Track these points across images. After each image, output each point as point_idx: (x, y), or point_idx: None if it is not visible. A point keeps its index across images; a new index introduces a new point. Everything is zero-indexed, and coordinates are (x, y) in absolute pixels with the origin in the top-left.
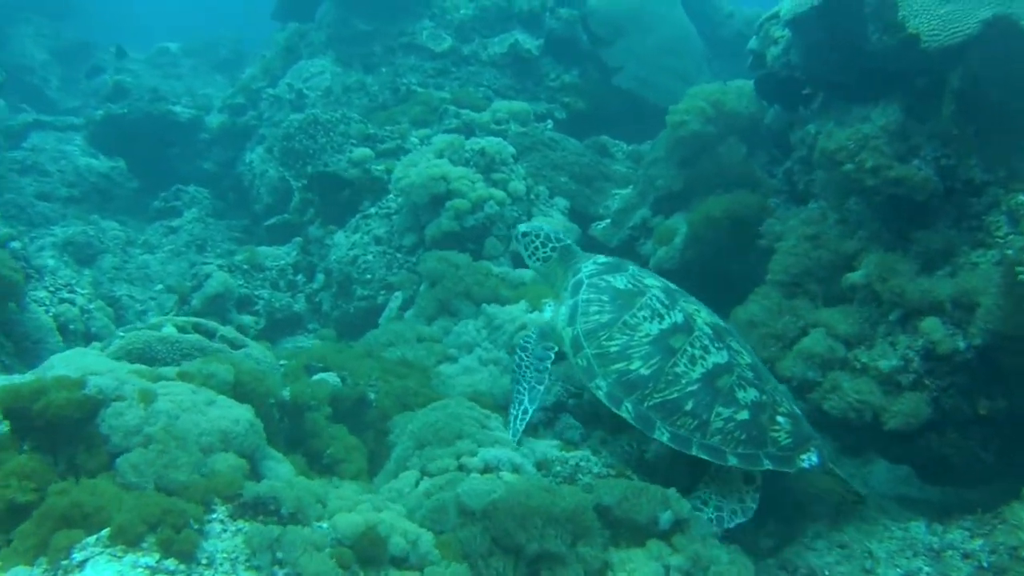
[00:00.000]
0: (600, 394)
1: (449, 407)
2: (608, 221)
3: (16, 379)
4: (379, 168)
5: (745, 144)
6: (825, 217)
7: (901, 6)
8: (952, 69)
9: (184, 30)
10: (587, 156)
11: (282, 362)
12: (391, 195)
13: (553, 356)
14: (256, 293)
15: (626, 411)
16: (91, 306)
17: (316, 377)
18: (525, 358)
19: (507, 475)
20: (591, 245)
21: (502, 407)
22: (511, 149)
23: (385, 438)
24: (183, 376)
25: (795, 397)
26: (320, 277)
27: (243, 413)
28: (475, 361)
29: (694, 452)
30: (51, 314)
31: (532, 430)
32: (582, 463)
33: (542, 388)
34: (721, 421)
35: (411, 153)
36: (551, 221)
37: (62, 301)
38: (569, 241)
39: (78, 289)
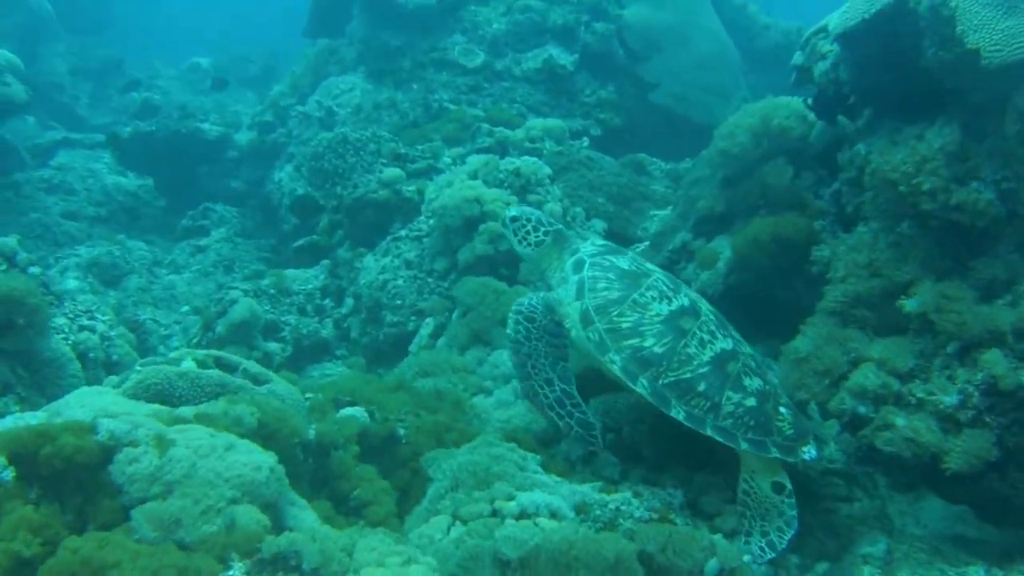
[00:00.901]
0: (615, 368)
1: (487, 447)
2: (647, 244)
3: (25, 421)
4: (410, 189)
5: (791, 164)
6: (876, 242)
7: (959, 20)
8: (1016, 87)
9: (215, 46)
10: (625, 176)
11: (308, 395)
12: (422, 217)
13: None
14: (283, 319)
15: (642, 387)
16: (112, 333)
17: (343, 412)
18: (532, 330)
19: (545, 521)
20: None
21: (541, 443)
22: (547, 169)
23: (416, 476)
24: (202, 418)
25: (847, 433)
26: (349, 302)
27: (265, 459)
28: (510, 394)
29: (708, 432)
30: (70, 342)
31: (569, 467)
32: (623, 507)
33: (567, 363)
34: (732, 405)
35: (443, 173)
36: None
37: (82, 328)
38: (560, 225)
39: (99, 315)
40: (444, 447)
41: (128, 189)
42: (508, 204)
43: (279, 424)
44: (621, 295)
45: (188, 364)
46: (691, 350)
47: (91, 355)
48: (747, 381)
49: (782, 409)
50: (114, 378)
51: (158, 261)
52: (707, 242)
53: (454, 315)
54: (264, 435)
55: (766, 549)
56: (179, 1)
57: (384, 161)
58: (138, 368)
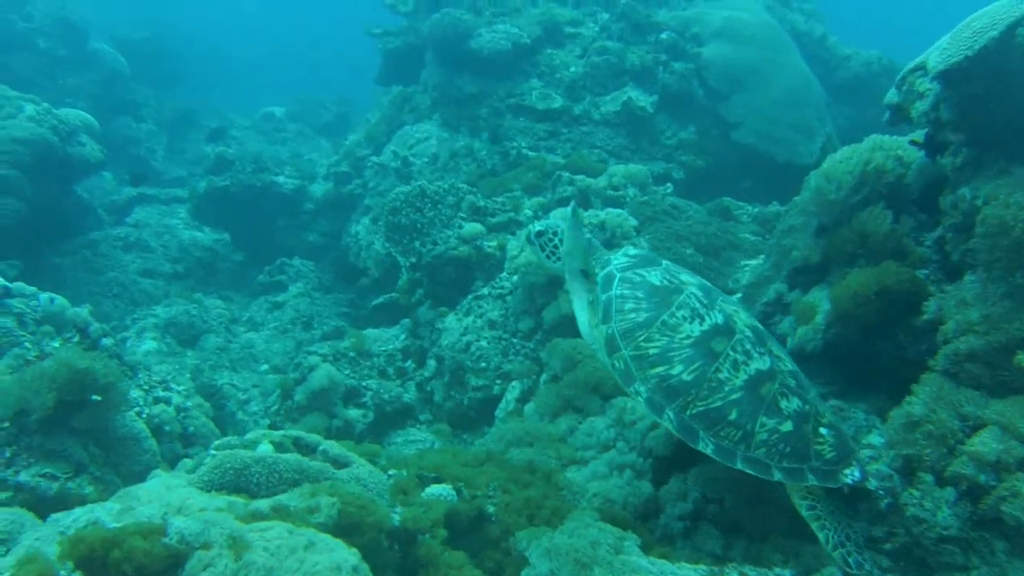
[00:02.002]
0: (640, 400)
1: (583, 527)
2: (739, 296)
3: (95, 514)
4: (491, 244)
5: (890, 209)
6: (988, 293)
7: None
8: None
9: (289, 94)
10: (713, 225)
11: (391, 472)
12: (505, 274)
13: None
14: (364, 383)
15: (668, 420)
16: (188, 404)
17: (429, 491)
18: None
19: None
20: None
21: (639, 516)
22: (632, 221)
23: (508, 557)
24: (280, 511)
25: (966, 503)
26: (431, 364)
27: (347, 557)
28: (605, 466)
29: (739, 466)
30: (145, 415)
31: (669, 541)
32: None
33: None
34: (765, 433)
35: (525, 227)
36: None
37: (157, 400)
38: (590, 235)
39: (174, 386)
40: (536, 525)
41: (204, 244)
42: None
43: (362, 514)
44: (649, 316)
45: (265, 447)
46: (723, 375)
47: (167, 428)
48: (784, 403)
49: (823, 430)
50: (188, 462)
51: (235, 319)
52: (803, 294)
53: (542, 378)
54: (346, 527)
55: (873, 562)
56: (250, 50)
57: (463, 215)
58: (213, 452)
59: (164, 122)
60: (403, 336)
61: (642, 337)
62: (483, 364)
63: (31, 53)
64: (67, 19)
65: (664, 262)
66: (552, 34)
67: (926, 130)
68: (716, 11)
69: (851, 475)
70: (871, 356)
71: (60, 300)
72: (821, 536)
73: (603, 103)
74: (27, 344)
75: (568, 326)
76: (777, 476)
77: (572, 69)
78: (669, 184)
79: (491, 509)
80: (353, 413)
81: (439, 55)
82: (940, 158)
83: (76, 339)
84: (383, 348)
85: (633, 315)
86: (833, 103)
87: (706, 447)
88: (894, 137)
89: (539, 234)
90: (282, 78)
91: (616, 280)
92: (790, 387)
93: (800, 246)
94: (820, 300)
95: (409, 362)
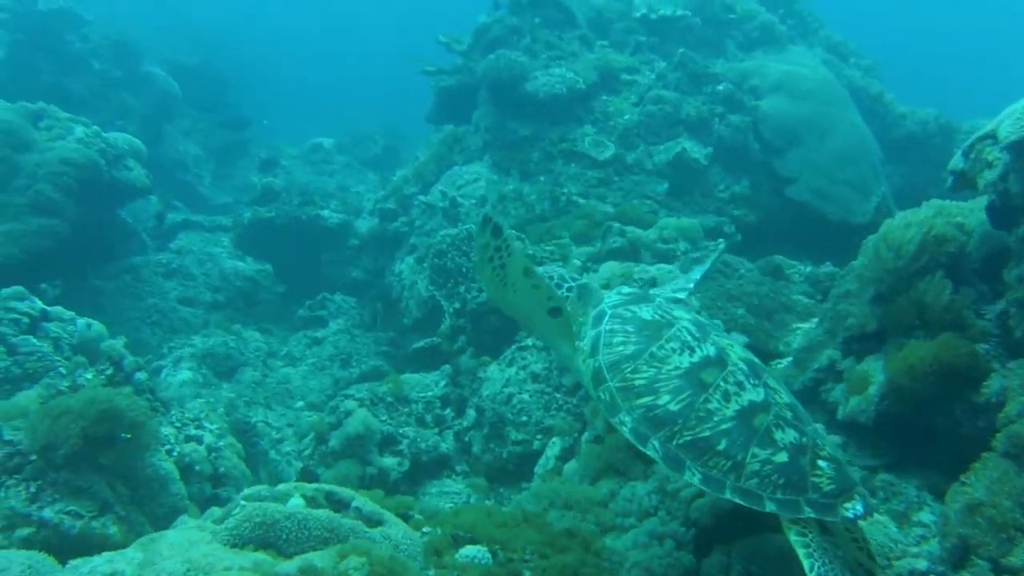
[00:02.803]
0: (625, 431)
1: None
2: (789, 360)
3: (114, 565)
4: None
5: (950, 278)
6: None
7: None
8: None
9: (338, 124)
10: (765, 285)
11: (426, 529)
12: None
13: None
14: (401, 430)
15: (652, 449)
16: (220, 443)
17: (463, 553)
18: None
19: None
20: None
21: None
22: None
23: None
24: (307, 573)
25: None
26: (471, 414)
27: None
28: (645, 535)
29: (727, 496)
30: (176, 454)
31: None
32: None
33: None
34: (758, 463)
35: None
36: None
37: (189, 439)
38: (585, 280)
39: (207, 424)
40: None
41: (246, 274)
42: None
43: None
44: (637, 349)
45: (296, 501)
46: (712, 405)
47: (197, 468)
48: (779, 435)
49: (821, 463)
50: (217, 510)
51: (273, 352)
52: (857, 362)
53: (584, 437)
54: None
55: None
56: (303, 80)
57: None
58: (242, 503)
59: (213, 148)
60: (443, 383)
61: (629, 369)
62: (524, 418)
63: (86, 74)
64: (122, 41)
65: (658, 299)
66: (608, 80)
67: (991, 198)
68: (775, 64)
69: (852, 509)
70: (926, 430)
71: (97, 326)
72: (806, 563)
73: (656, 153)
74: (61, 369)
75: None
76: (770, 507)
77: (626, 117)
78: (722, 240)
79: (527, 574)
80: (388, 461)
81: (492, 96)
82: (1005, 229)
83: (110, 372)
84: (422, 394)
85: (621, 348)
86: (886, 161)
87: (693, 476)
88: (956, 203)
89: None
90: (332, 109)
91: (607, 316)
92: (786, 419)
93: (856, 313)
94: (875, 370)
95: (448, 410)
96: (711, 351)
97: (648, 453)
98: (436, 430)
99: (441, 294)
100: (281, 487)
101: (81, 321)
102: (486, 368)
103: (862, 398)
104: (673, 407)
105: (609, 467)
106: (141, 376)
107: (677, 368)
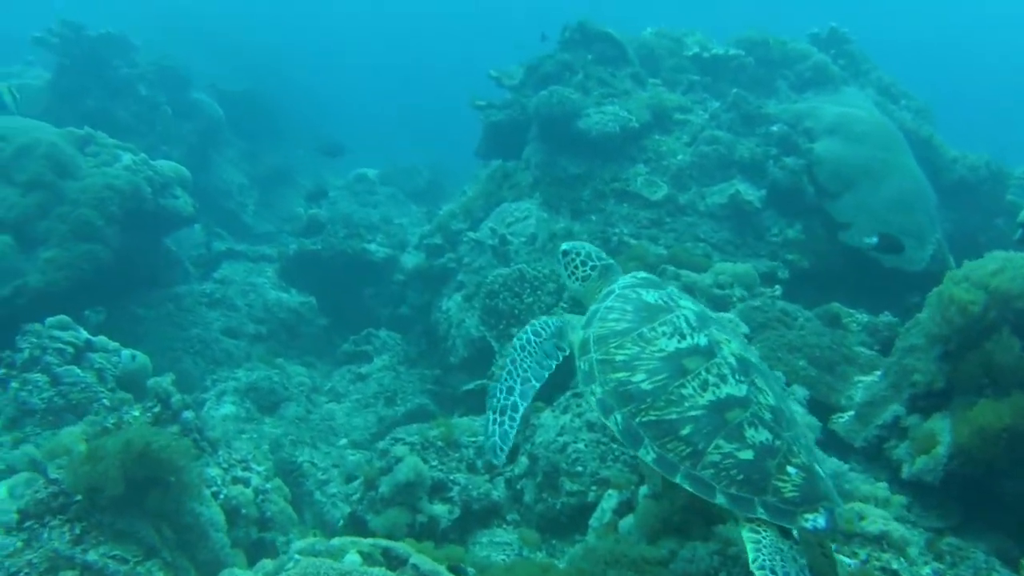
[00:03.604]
0: (592, 400)
1: None
2: (851, 414)
3: None
4: None
5: (1017, 335)
6: None
7: None
8: None
9: (383, 155)
10: (827, 336)
11: None
12: None
13: (561, 358)
14: (451, 477)
15: (614, 422)
16: (268, 485)
17: None
18: (533, 342)
19: None
20: (832, 442)
21: None
22: (744, 328)
23: None
24: None
25: None
26: (523, 461)
27: None
28: None
29: (678, 480)
30: (223, 496)
31: None
32: None
33: (537, 386)
34: (718, 455)
35: None
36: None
37: (236, 481)
38: (612, 261)
39: (254, 465)
40: None
41: (290, 306)
42: None
43: None
44: (628, 327)
45: (352, 558)
46: (686, 391)
47: (243, 511)
48: (750, 433)
49: (790, 469)
50: (268, 563)
51: (317, 388)
52: (923, 419)
53: (641, 490)
54: None
55: None
56: (350, 109)
57: (565, 305)
58: (296, 557)
59: (257, 176)
60: None
61: (614, 344)
62: (579, 468)
63: (132, 99)
64: (170, 67)
65: (670, 287)
66: (660, 119)
67: None
68: (829, 106)
69: (813, 520)
70: (995, 493)
71: (141, 357)
72: (751, 555)
73: (709, 194)
74: (105, 401)
75: None
76: (720, 500)
77: (679, 157)
78: (778, 287)
79: None
80: (439, 509)
81: (543, 133)
82: None
83: (157, 409)
84: (472, 439)
85: (613, 324)
86: (940, 207)
87: (647, 455)
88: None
89: (564, 253)
90: (377, 140)
91: (613, 295)
92: (762, 419)
93: (923, 370)
94: (942, 429)
95: None
96: (702, 341)
97: (609, 425)
98: (487, 476)
99: (492, 335)
100: (336, 542)
101: (126, 352)
102: (539, 414)
103: (929, 458)
104: (645, 386)
105: (668, 525)
106: (188, 415)
107: (661, 351)
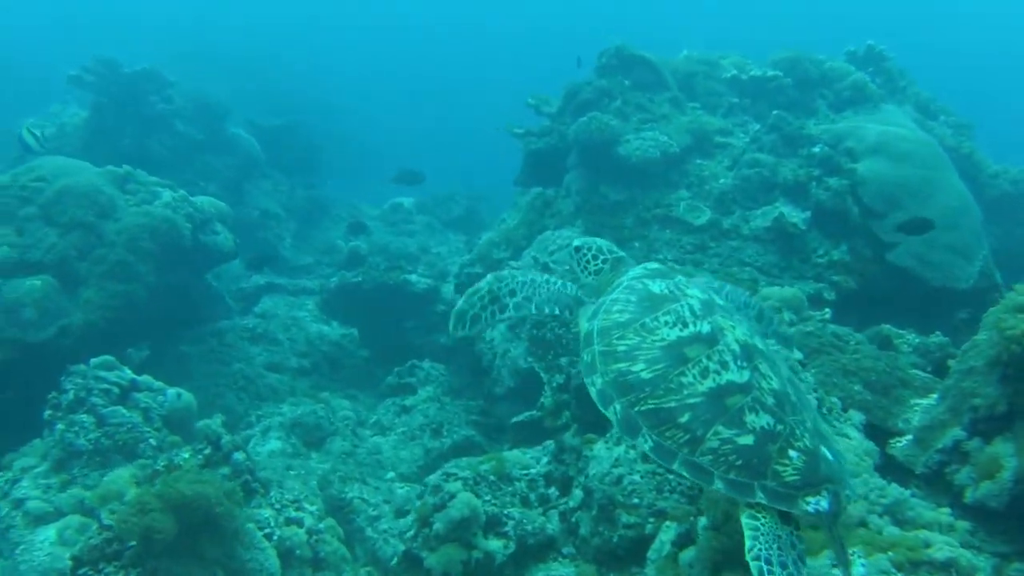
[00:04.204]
0: (593, 391)
1: None
2: (910, 439)
3: None
4: None
5: None
6: None
7: None
8: None
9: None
10: (882, 360)
11: None
12: None
13: (560, 315)
14: (505, 511)
15: (613, 412)
16: (320, 525)
17: None
18: (556, 284)
19: None
20: (890, 466)
21: None
22: (798, 355)
23: None
24: None
25: None
26: (578, 494)
27: None
28: None
29: (675, 467)
30: (276, 537)
31: None
32: None
33: (532, 311)
34: (717, 441)
35: None
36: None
37: (289, 522)
38: (623, 253)
39: (307, 505)
40: None
41: (331, 339)
42: None
43: None
44: (631, 318)
45: None
46: (686, 379)
47: (297, 552)
48: (751, 418)
49: (792, 453)
50: None
51: (362, 421)
52: (985, 443)
53: (700, 522)
54: None
55: None
56: (385, 139)
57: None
58: None
59: (294, 209)
60: (546, 460)
61: (616, 335)
62: (636, 500)
63: (169, 135)
64: (206, 103)
65: (679, 276)
66: (701, 143)
67: None
68: (871, 125)
69: (815, 504)
70: None
71: (187, 396)
72: (748, 543)
73: (753, 217)
74: (151, 440)
75: None
76: (718, 485)
77: (721, 181)
78: (827, 309)
79: None
80: (494, 544)
81: (584, 160)
82: None
83: (207, 451)
84: (524, 472)
85: (616, 316)
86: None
87: (645, 443)
88: None
89: (577, 249)
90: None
91: (621, 287)
92: (765, 404)
93: (983, 393)
94: (1005, 453)
95: (552, 489)
96: (704, 328)
97: (608, 415)
98: (540, 510)
99: (541, 366)
100: None
101: (171, 391)
102: (592, 446)
103: (993, 483)
104: (645, 375)
105: (728, 557)
106: (239, 456)
107: (663, 340)
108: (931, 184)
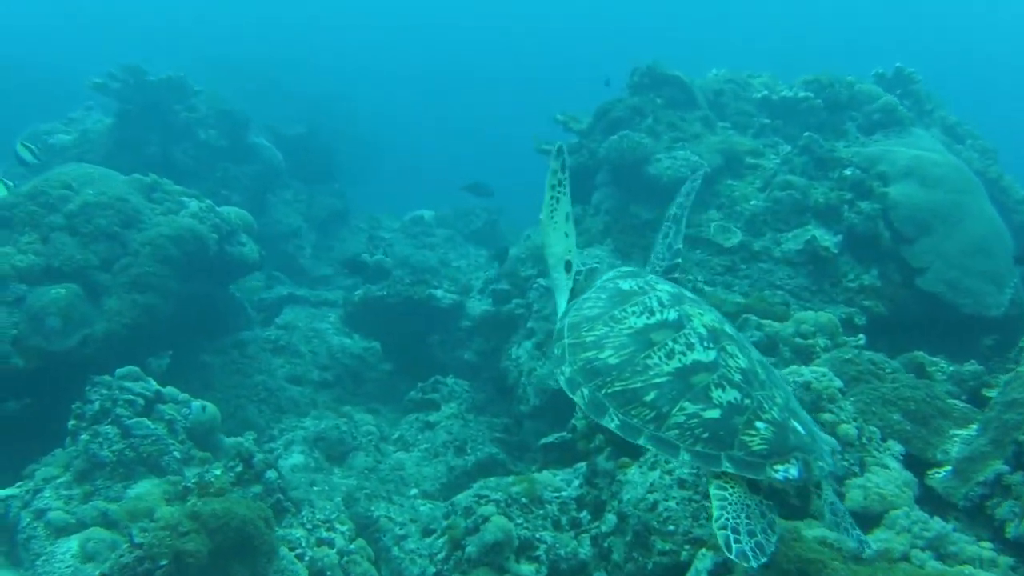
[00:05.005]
0: (561, 380)
1: None
2: (949, 470)
3: None
4: None
5: None
6: None
7: None
8: None
9: (439, 196)
10: (921, 389)
11: None
12: None
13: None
14: (537, 535)
15: (580, 396)
16: (352, 547)
17: None
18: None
19: None
20: (928, 498)
21: None
22: (838, 383)
23: None
24: None
25: None
26: (611, 519)
27: None
28: None
29: (641, 442)
30: (307, 558)
31: None
32: None
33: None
34: (683, 416)
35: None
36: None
37: (320, 543)
38: (597, 265)
39: (338, 526)
40: None
41: (353, 352)
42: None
43: None
44: (600, 312)
45: None
46: (652, 361)
47: (328, 574)
48: (716, 393)
49: (759, 424)
50: None
51: (385, 437)
52: None
53: None
54: None
55: (756, 552)
56: (406, 151)
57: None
58: None
59: (315, 219)
60: (577, 483)
61: (585, 328)
62: (671, 527)
63: (192, 144)
64: (229, 111)
65: (650, 275)
66: (732, 164)
67: None
68: (902, 149)
69: (784, 471)
70: None
71: (211, 409)
72: (715, 512)
73: (784, 240)
74: (176, 453)
75: (771, 496)
76: (684, 457)
77: (752, 202)
78: (862, 336)
79: None
80: (526, 569)
81: (613, 178)
82: None
83: (239, 469)
84: (555, 495)
85: (587, 311)
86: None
87: (611, 422)
88: None
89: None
90: (434, 180)
91: (594, 288)
92: (731, 380)
93: None
94: None
95: (584, 513)
96: (671, 315)
97: (575, 399)
98: (572, 534)
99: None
100: None
101: (196, 404)
102: (626, 471)
103: None
104: (612, 360)
105: None
106: (272, 475)
107: (630, 328)
108: (962, 209)
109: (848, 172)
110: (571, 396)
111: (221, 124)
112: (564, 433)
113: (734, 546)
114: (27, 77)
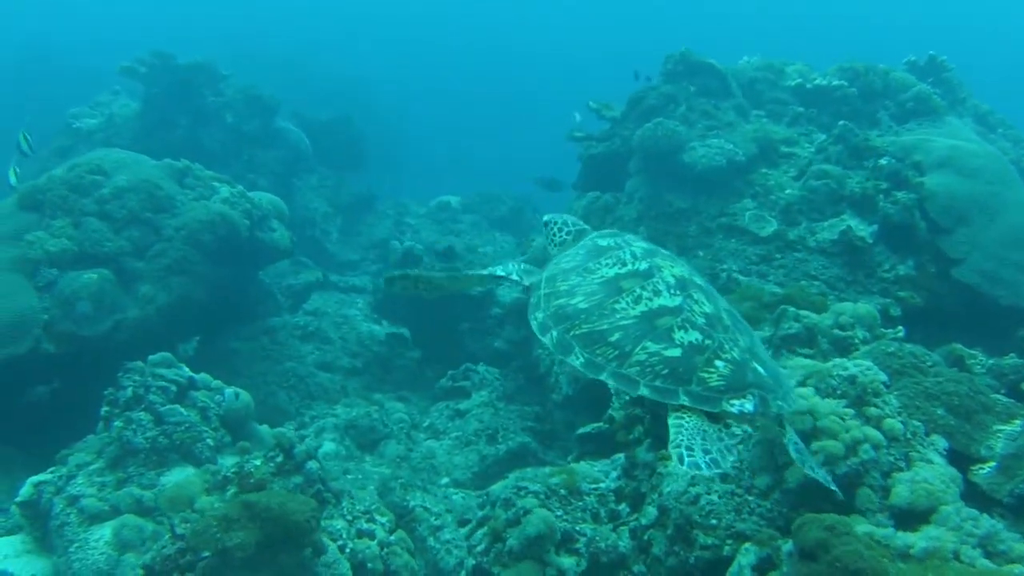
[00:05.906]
0: (534, 324)
1: None
2: (994, 466)
3: None
4: None
5: None
6: None
7: None
8: None
9: (466, 182)
10: (964, 384)
11: None
12: (735, 427)
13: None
14: (577, 527)
15: (550, 338)
16: (392, 538)
17: None
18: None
19: None
20: (971, 494)
21: None
22: (883, 376)
23: None
24: None
25: None
26: (651, 511)
27: None
28: None
29: (603, 378)
30: (348, 550)
31: None
32: None
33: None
34: (644, 354)
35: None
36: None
37: (361, 534)
38: (587, 227)
39: (378, 517)
40: None
41: (382, 339)
42: (845, 420)
43: None
44: (575, 265)
45: None
46: (619, 305)
47: (369, 566)
48: (679, 334)
49: (718, 363)
50: None
51: (416, 424)
52: None
53: (785, 548)
54: None
55: (711, 465)
56: (435, 137)
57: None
58: None
59: (340, 204)
60: (615, 474)
61: (560, 279)
62: (713, 521)
63: (219, 128)
64: (257, 96)
65: (629, 235)
66: (766, 153)
67: None
68: (939, 139)
69: (740, 405)
70: None
71: (244, 396)
72: (671, 437)
73: (819, 230)
74: (208, 440)
75: (813, 492)
76: (643, 391)
77: (787, 191)
78: (901, 328)
79: None
80: (566, 562)
81: (647, 166)
82: None
83: (279, 459)
84: (593, 486)
85: (564, 265)
86: None
87: (576, 360)
88: None
89: (546, 224)
90: (462, 166)
91: (576, 246)
92: (694, 323)
93: None
94: None
95: (623, 505)
96: (643, 266)
97: (544, 341)
98: (611, 526)
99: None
100: None
101: (229, 391)
102: (667, 463)
103: None
104: (582, 306)
105: None
106: (312, 466)
107: (601, 277)
108: (1000, 200)
109: (883, 161)
110: (541, 338)
111: (249, 109)
112: (601, 424)
113: (687, 458)
114: (53, 66)
